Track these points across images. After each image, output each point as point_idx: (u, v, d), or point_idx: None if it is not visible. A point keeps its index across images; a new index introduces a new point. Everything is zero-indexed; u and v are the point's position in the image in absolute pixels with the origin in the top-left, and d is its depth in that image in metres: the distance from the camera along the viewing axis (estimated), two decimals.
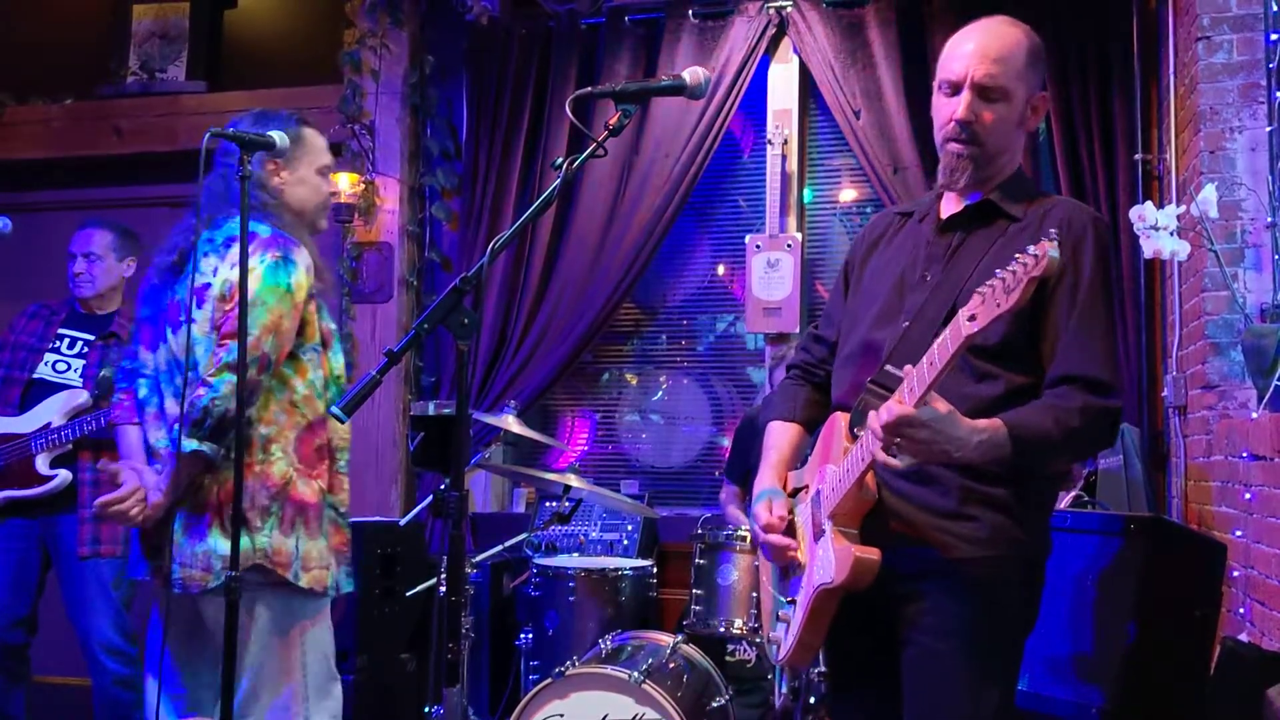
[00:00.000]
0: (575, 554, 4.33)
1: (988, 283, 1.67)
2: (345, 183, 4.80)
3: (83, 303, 3.84)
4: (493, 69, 4.94)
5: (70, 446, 3.68)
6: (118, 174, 5.44)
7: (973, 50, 2.00)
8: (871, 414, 1.82)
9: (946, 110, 2.02)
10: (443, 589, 1.95)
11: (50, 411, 3.68)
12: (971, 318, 1.68)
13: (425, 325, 1.96)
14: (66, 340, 3.80)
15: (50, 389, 3.72)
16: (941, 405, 1.79)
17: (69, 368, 3.76)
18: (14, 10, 5.64)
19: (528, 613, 3.85)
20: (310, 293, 2.62)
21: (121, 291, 3.91)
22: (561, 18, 4.87)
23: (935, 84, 2.06)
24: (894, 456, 1.81)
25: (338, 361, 2.72)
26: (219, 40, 5.50)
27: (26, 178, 5.51)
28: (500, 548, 3.63)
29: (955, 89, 2.01)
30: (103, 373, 3.75)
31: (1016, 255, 1.64)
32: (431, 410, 2.01)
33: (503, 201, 4.85)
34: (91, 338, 3.81)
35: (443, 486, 1.92)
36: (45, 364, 3.75)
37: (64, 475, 3.66)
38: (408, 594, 3.79)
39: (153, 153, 5.27)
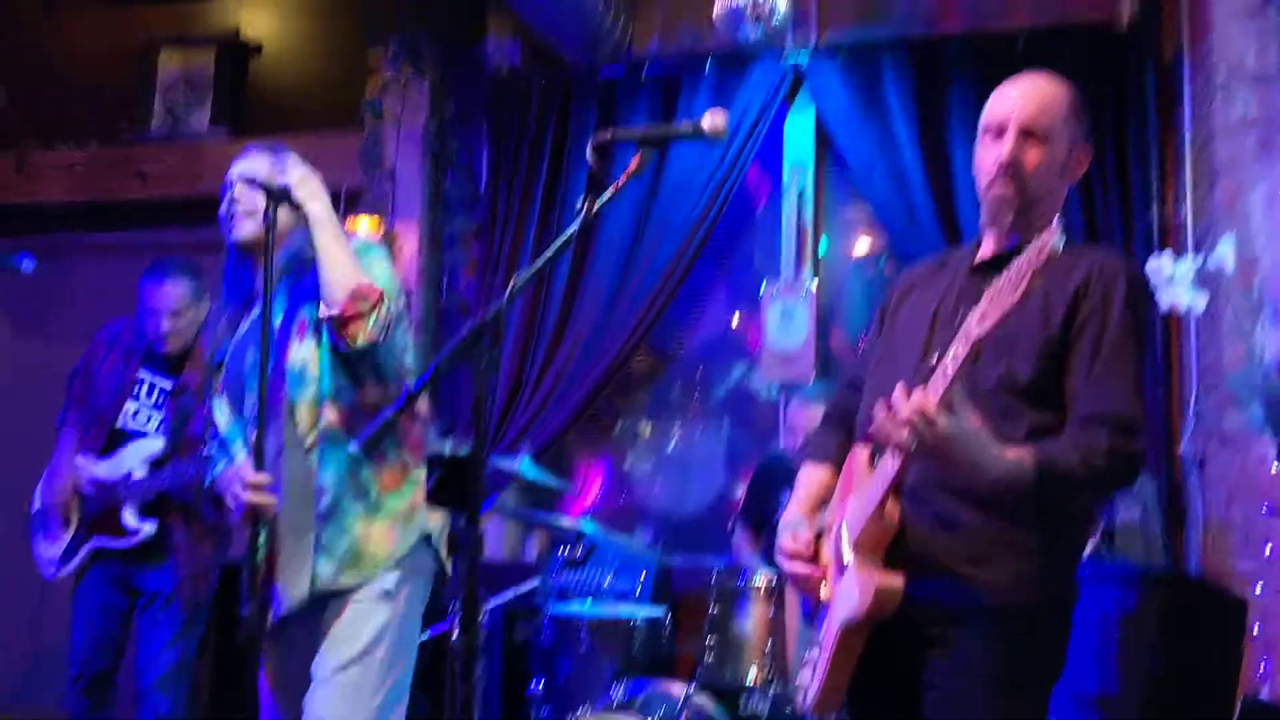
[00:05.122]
0: (588, 601, 4.30)
1: (994, 283, 1.72)
2: (365, 227, 4.84)
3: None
4: (513, 118, 4.98)
5: (154, 498, 3.66)
6: (141, 218, 5.49)
7: (1017, 96, 2.06)
8: (897, 393, 1.81)
9: (991, 155, 2.04)
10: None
11: (132, 460, 3.68)
12: (982, 317, 1.72)
13: (443, 364, 1.97)
14: (145, 385, 3.76)
15: (130, 437, 3.71)
16: (972, 420, 1.80)
17: (149, 420, 3.74)
18: (41, 57, 5.73)
19: (539, 661, 3.81)
20: None
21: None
22: (580, 69, 4.92)
23: (979, 133, 2.08)
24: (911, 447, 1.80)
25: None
26: (243, 87, 5.57)
27: (52, 221, 5.56)
28: (513, 594, 3.60)
29: (1000, 132, 2.03)
30: (174, 423, 3.72)
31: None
32: (448, 451, 2.02)
33: (521, 248, 4.87)
34: (168, 386, 3.75)
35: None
36: (126, 412, 3.74)
37: (150, 527, 3.65)
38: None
39: (176, 198, 5.32)
